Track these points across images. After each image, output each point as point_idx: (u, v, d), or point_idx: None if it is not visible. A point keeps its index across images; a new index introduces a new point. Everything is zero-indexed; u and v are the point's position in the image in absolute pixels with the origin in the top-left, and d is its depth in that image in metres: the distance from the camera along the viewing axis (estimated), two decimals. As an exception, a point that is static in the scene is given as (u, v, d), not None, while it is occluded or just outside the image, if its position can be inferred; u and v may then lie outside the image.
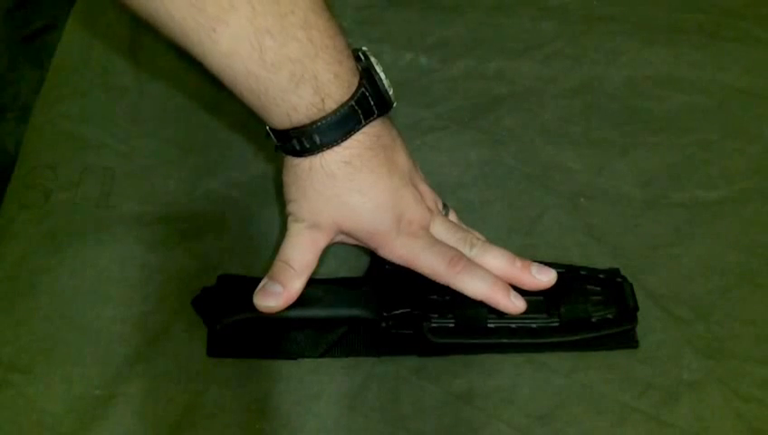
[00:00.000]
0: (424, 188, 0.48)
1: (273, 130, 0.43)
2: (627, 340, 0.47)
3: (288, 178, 0.44)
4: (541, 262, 0.47)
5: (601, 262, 0.50)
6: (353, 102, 0.41)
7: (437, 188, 0.49)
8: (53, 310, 0.47)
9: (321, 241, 0.44)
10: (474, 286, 0.45)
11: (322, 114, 0.40)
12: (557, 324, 0.46)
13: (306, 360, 0.46)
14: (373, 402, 0.45)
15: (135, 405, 0.44)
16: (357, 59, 0.43)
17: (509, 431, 0.44)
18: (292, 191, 0.44)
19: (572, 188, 0.54)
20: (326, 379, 0.46)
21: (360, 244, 0.46)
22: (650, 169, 0.55)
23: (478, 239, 0.47)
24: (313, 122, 0.40)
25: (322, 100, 0.40)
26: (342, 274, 0.50)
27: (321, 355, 0.46)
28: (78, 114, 0.56)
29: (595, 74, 0.59)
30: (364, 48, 0.44)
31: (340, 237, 0.46)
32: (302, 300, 0.44)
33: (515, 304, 0.45)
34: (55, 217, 0.51)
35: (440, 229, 0.47)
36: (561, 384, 0.46)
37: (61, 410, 0.44)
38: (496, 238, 0.49)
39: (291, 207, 0.44)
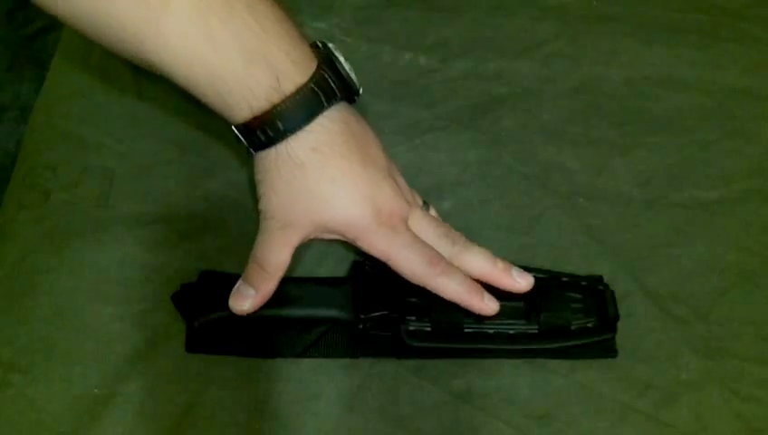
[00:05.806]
0: (402, 181, 0.47)
1: (239, 129, 0.42)
2: (605, 349, 0.46)
3: (258, 175, 0.43)
4: (523, 267, 0.46)
5: (600, 262, 0.50)
6: (312, 84, 0.41)
7: (437, 187, 0.49)
8: (53, 310, 0.47)
9: (295, 240, 0.44)
10: (450, 289, 0.44)
11: (282, 97, 0.40)
12: (536, 331, 0.46)
13: (306, 360, 0.46)
14: (372, 402, 0.45)
15: (134, 404, 0.44)
16: (315, 48, 0.43)
17: (508, 431, 0.44)
18: (261, 187, 0.43)
19: (571, 188, 0.54)
20: (325, 379, 0.46)
21: (339, 237, 0.45)
22: (649, 169, 0.55)
23: (460, 237, 0.46)
24: (274, 106, 0.40)
25: (278, 79, 0.40)
26: (340, 274, 0.49)
27: (299, 355, 0.46)
28: (78, 114, 0.56)
29: (594, 74, 0.59)
30: (320, 41, 0.44)
31: (317, 233, 0.44)
32: (281, 299, 0.44)
33: (489, 306, 0.44)
34: (55, 217, 0.51)
35: (422, 223, 0.46)
36: (561, 384, 0.46)
37: (60, 410, 0.44)
38: (495, 238, 0.49)
39: (261, 204, 0.43)
